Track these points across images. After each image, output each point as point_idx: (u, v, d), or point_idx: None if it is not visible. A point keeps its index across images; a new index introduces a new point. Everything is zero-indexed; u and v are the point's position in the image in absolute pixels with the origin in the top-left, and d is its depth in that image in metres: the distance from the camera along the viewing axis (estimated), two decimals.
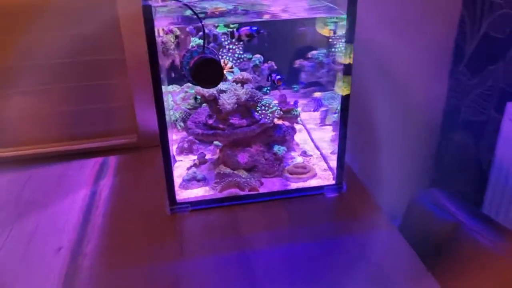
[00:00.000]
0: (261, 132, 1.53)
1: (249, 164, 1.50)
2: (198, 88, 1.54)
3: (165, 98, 2.02)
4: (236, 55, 2.05)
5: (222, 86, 1.59)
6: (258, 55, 2.04)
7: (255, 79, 1.89)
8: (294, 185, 1.52)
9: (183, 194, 1.63)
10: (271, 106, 1.61)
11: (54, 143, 1.98)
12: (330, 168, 1.60)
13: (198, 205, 1.43)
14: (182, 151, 1.91)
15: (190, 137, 1.94)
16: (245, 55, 2.09)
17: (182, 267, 1.34)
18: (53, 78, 1.83)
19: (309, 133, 2.07)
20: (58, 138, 1.99)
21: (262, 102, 1.60)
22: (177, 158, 1.70)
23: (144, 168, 1.55)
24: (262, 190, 1.49)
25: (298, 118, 1.93)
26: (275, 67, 2.07)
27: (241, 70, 1.96)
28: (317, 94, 2.17)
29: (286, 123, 1.81)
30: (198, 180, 1.65)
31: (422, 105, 2.32)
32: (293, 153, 1.67)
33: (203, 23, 1.30)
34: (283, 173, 1.54)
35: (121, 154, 2.00)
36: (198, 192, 1.52)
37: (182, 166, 1.63)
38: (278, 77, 1.42)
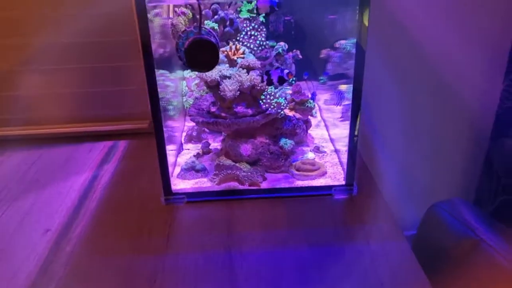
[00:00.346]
0: (268, 124, 1.42)
1: (253, 157, 1.39)
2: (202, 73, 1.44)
3: (177, 84, 1.95)
4: (258, 42, 1.92)
5: (226, 72, 1.48)
6: (282, 43, 1.90)
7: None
8: (299, 183, 1.41)
9: (181, 184, 1.54)
10: (276, 96, 1.48)
11: (65, 124, 1.96)
12: (343, 167, 1.45)
13: (194, 197, 1.38)
14: (190, 139, 1.83)
15: None
16: (267, 42, 1.96)
17: (162, 262, 1.26)
18: (67, 58, 1.81)
19: (327, 127, 1.91)
20: (70, 119, 1.98)
21: (267, 91, 1.47)
22: (185, 146, 1.68)
23: (152, 154, 1.48)
24: (264, 186, 1.42)
25: (313, 111, 1.78)
26: (300, 56, 1.93)
27: (263, 58, 1.84)
28: (342, 87, 2.00)
29: (298, 115, 1.67)
30: (197, 171, 1.56)
31: (472, 107, 2.07)
32: (305, 148, 1.53)
33: (199, 1, 1.20)
34: (289, 169, 1.41)
35: (132, 139, 1.95)
36: (197, 183, 1.51)
37: (188, 155, 1.57)
38: (287, 71, 1.28)
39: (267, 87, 1.46)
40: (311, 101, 1.71)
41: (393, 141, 2.30)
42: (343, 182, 1.38)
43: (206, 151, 1.51)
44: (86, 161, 1.68)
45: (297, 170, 1.44)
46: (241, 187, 1.38)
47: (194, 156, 1.61)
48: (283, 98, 1.46)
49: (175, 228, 1.30)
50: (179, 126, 1.75)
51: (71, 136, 1.85)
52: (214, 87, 1.49)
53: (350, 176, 1.36)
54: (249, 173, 1.39)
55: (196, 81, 1.99)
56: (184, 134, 1.72)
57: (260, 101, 1.49)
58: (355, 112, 1.26)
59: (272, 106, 1.45)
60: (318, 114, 1.95)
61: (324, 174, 1.45)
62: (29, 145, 1.81)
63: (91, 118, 1.88)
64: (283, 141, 1.57)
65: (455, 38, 1.84)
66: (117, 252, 1.22)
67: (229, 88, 1.44)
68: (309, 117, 1.71)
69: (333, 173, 1.46)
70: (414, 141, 2.30)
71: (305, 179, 1.41)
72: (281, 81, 1.30)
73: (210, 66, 1.19)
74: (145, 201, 1.43)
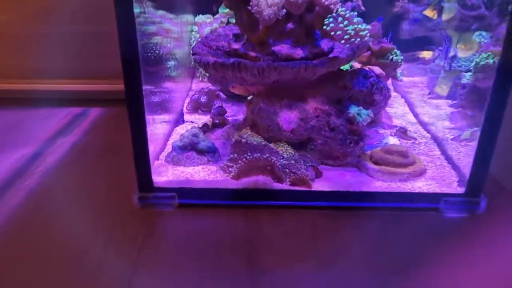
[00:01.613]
0: (328, 77, 0.90)
1: (300, 133, 0.84)
2: None
3: (184, 30, 1.33)
4: None
5: None
6: None
7: None
8: (379, 185, 0.90)
9: (170, 174, 0.87)
10: (354, 21, 0.80)
11: (16, 80, 1.34)
12: (453, 166, 0.97)
13: (190, 196, 0.88)
14: (196, 107, 1.17)
15: (212, 87, 1.18)
16: None
17: None
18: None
19: (410, 105, 1.22)
20: (22, 74, 1.36)
21: (337, 11, 0.80)
22: (186, 117, 1.20)
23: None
24: (316, 186, 0.89)
25: (398, 72, 1.08)
26: (362, 8, 1.26)
27: None
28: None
29: (377, 70, 0.98)
30: (200, 152, 0.89)
31: None
32: (381, 130, 0.85)
33: None
34: (361, 161, 0.86)
35: (109, 106, 1.26)
36: (198, 174, 0.93)
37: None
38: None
39: (338, 4, 0.79)
40: (397, 52, 1.02)
41: None
42: (460, 190, 0.85)
43: (219, 121, 0.84)
44: (36, 131, 1.24)
45: (375, 163, 0.79)
46: (276, 185, 0.88)
47: (197, 127, 0.93)
48: (366, 29, 0.78)
49: (149, 256, 0.78)
50: (182, 89, 1.32)
51: (25, 98, 1.41)
52: (239, 2, 0.83)
53: (475, 182, 0.77)
54: (292, 163, 0.75)
55: (212, 26, 1.32)
56: (187, 101, 1.27)
57: (323, 33, 0.81)
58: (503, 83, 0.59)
59: (349, 39, 0.76)
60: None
61: (422, 173, 0.80)
62: None
63: (53, 73, 1.40)
64: (354, 110, 0.89)
65: None
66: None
67: (267, 1, 0.77)
68: (389, 80, 1.02)
69: (437, 174, 0.77)
70: None
71: (390, 180, 0.91)
72: None
73: None
74: (106, 200, 0.93)
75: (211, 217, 0.86)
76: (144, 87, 0.83)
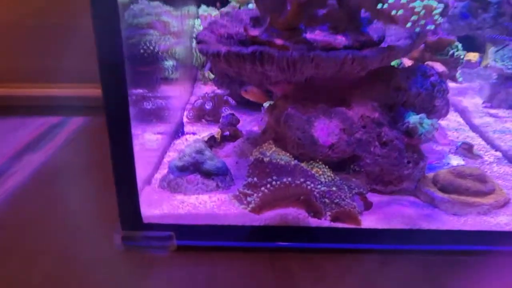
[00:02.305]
0: (377, 75, 0.71)
1: (341, 150, 0.66)
2: None
3: (184, 24, 1.12)
4: None
5: None
6: None
7: None
8: (449, 220, 0.67)
9: (164, 206, 0.64)
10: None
11: None
12: None
13: (193, 236, 0.65)
14: (199, 116, 0.95)
15: (218, 91, 0.96)
16: None
17: None
18: None
19: (463, 114, 0.99)
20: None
21: None
22: (188, 129, 0.98)
23: None
24: (366, 223, 0.66)
25: (458, 71, 0.86)
26: None
27: None
28: None
29: (439, 67, 0.75)
30: (206, 174, 0.66)
31: None
32: (438, 147, 0.62)
33: None
34: (422, 186, 0.68)
35: (92, 114, 1.01)
36: (202, 204, 0.69)
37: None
38: None
39: None
40: (459, 45, 0.79)
41: None
42: None
43: (230, 133, 0.60)
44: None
45: (442, 189, 0.64)
46: (312, 221, 0.65)
47: (202, 141, 0.69)
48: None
49: None
50: (182, 94, 1.12)
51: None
52: None
53: None
54: (333, 190, 0.52)
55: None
56: (188, 108, 1.08)
57: (373, 14, 0.59)
58: None
59: (414, 20, 0.54)
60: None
61: (506, 203, 0.53)
62: None
63: (27, 75, 1.16)
64: (414, 120, 0.66)
65: None
66: None
67: None
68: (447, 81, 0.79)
69: None
70: None
71: (465, 213, 0.67)
72: None
73: None
74: (78, 241, 0.69)
75: (222, 266, 0.62)
76: (133, 91, 0.60)
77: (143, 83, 1.04)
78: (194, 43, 1.14)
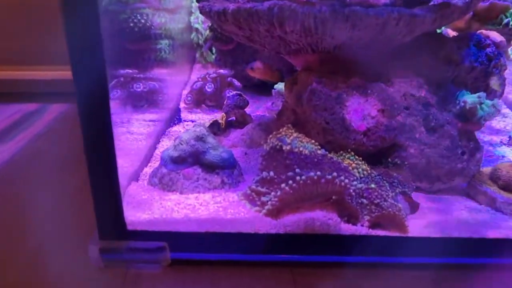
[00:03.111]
0: (422, 44, 0.56)
1: (379, 137, 0.55)
2: None
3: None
4: None
5: None
6: None
7: None
8: None
9: (155, 208, 0.49)
10: None
11: None
12: None
13: (191, 247, 0.52)
14: (199, 101, 0.82)
15: (221, 71, 0.83)
16: None
17: None
18: None
19: (506, 99, 0.86)
20: None
21: None
22: (185, 116, 0.84)
23: None
24: (414, 228, 0.50)
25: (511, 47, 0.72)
26: None
27: None
28: None
29: (496, 36, 0.61)
30: (208, 167, 0.52)
31: None
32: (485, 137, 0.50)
33: None
34: (477, 184, 0.57)
35: (73, 102, 0.80)
36: (203, 206, 0.53)
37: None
38: None
39: None
40: None
41: None
42: None
43: (236, 117, 0.45)
44: None
45: (504, 188, 0.55)
46: (346, 228, 0.50)
47: (204, 127, 0.55)
48: None
49: None
50: (178, 76, 0.98)
51: None
52: None
53: None
54: (372, 188, 0.43)
55: None
56: (186, 92, 0.92)
57: None
58: None
59: None
60: None
61: None
62: None
63: None
64: (472, 100, 0.52)
65: None
66: None
67: None
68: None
69: None
70: None
71: None
72: None
73: None
74: (46, 253, 0.54)
75: (228, 285, 0.48)
76: (120, 71, 0.47)
77: (133, 62, 0.90)
78: (192, 18, 0.99)
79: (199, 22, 1.01)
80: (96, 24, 0.45)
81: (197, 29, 1.01)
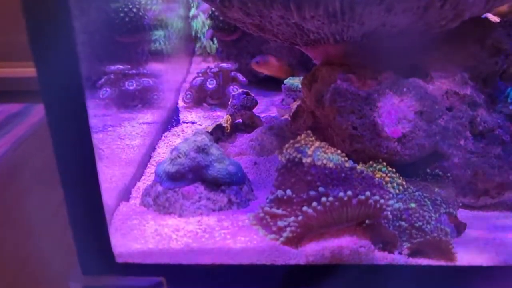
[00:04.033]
0: (465, 31, 0.46)
1: (417, 144, 0.46)
2: None
3: None
4: None
5: None
6: None
7: None
8: None
9: (149, 235, 0.40)
10: None
11: None
12: None
13: (194, 283, 0.43)
14: (199, 99, 0.74)
15: (224, 65, 0.74)
16: None
17: None
18: None
19: None
20: None
21: None
22: (184, 116, 0.75)
23: None
24: (463, 256, 0.41)
25: None
26: None
27: None
28: None
29: None
30: (213, 184, 0.43)
31: None
32: None
33: None
34: None
35: None
36: (207, 232, 0.43)
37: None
38: None
39: None
40: None
41: None
42: None
43: (243, 120, 0.34)
44: None
45: None
46: (380, 257, 0.40)
47: (206, 132, 0.46)
48: None
49: None
50: (176, 71, 0.88)
51: None
52: None
53: None
54: (412, 208, 0.40)
55: None
56: (185, 88, 0.84)
57: None
58: None
59: None
60: None
61: None
62: None
63: None
64: None
65: None
66: None
67: None
68: None
69: None
70: None
71: None
72: None
73: None
74: None
75: None
76: (110, 68, 0.38)
77: (124, 57, 0.81)
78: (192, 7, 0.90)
79: (200, 13, 0.92)
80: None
81: (196, 17, 0.92)
